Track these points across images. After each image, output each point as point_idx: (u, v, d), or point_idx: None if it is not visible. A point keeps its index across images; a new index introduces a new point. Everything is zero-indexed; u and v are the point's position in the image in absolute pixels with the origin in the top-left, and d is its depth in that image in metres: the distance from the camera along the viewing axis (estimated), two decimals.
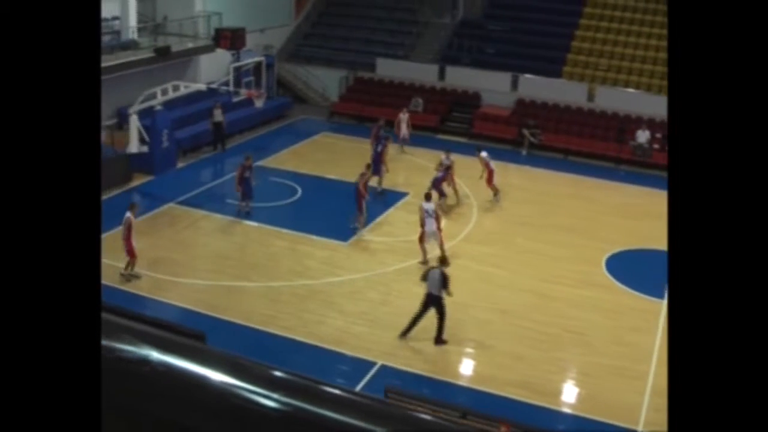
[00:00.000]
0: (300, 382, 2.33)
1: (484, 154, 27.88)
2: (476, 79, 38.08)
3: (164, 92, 28.53)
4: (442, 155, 28.06)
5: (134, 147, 28.23)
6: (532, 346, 18.40)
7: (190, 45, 33.69)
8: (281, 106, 38.62)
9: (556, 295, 20.87)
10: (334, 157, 31.89)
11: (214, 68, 35.05)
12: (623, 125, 34.71)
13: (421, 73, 39.37)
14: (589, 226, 26.03)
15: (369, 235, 24.26)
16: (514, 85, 37.64)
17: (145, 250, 22.60)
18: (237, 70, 31.31)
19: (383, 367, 17.16)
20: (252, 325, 18.70)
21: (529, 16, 40.02)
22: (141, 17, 33.38)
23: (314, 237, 23.82)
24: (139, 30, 32.53)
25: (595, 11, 39.73)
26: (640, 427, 15.47)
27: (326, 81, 41.01)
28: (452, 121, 37.54)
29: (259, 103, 29.91)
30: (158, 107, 28.60)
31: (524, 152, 34.36)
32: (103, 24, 31.42)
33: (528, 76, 37.39)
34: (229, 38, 33.17)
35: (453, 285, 20.76)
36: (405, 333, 18.21)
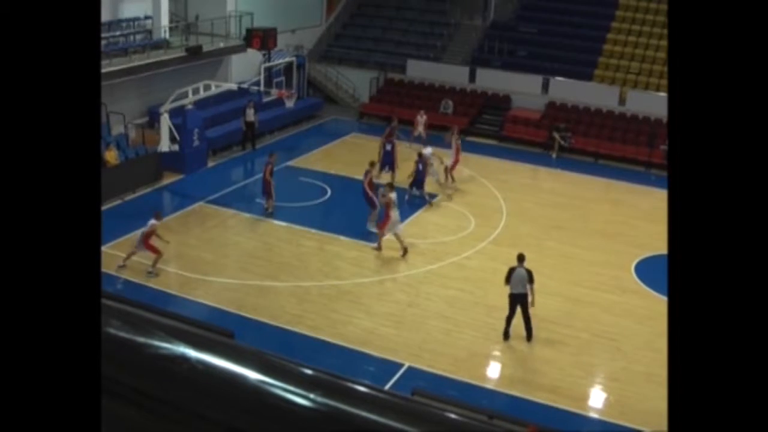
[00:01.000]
0: (336, 382, 2.31)
1: (427, 150, 27.82)
2: (507, 81, 38.00)
3: (195, 91, 28.67)
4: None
5: (165, 146, 28.40)
6: (561, 350, 18.30)
7: (222, 45, 33.85)
8: (312, 107, 38.74)
9: (587, 300, 20.75)
10: (364, 158, 31.77)
11: (245, 68, 35.21)
12: (654, 129, 34.46)
13: (452, 74, 39.33)
14: (620, 230, 25.88)
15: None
16: (545, 87, 37.51)
17: (174, 248, 22.73)
18: (268, 70, 31.44)
19: (410, 369, 17.13)
20: (280, 324, 18.74)
21: (560, 19, 39.87)
22: (173, 17, 33.61)
23: (343, 238, 23.85)
24: (171, 29, 32.73)
25: (627, 14, 39.52)
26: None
27: (356, 82, 41.06)
28: (482, 124, 37.47)
29: (289, 103, 29.99)
30: (189, 106, 28.74)
31: (554, 155, 34.23)
32: (136, 23, 31.71)
33: (559, 78, 37.24)
34: (261, 38, 33.34)
35: (483, 288, 20.81)
36: (504, 335, 18.59)
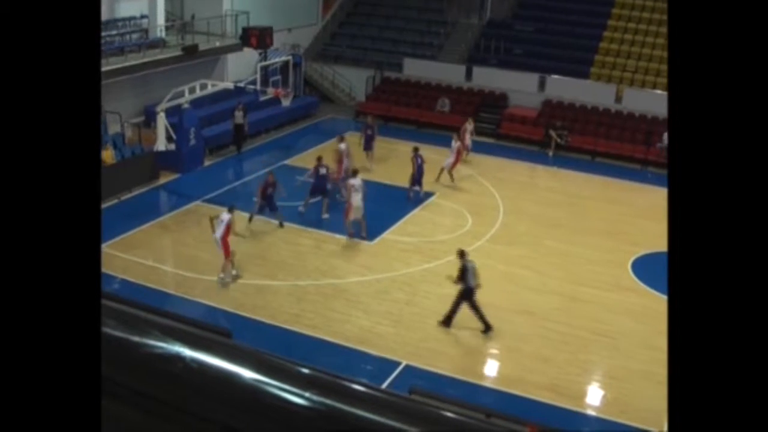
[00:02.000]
0: (332, 381, 2.30)
1: (342, 146, 27.80)
2: (503, 79, 38.02)
3: (191, 91, 28.65)
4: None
5: (161, 145, 28.37)
6: (559, 348, 18.31)
7: (218, 44, 33.83)
8: (308, 106, 38.72)
9: (584, 298, 20.77)
10: (361, 157, 31.90)
11: (241, 67, 35.22)
12: (651, 127, 34.49)
13: (449, 73, 39.34)
14: (617, 228, 25.90)
15: (395, 235, 24.22)
16: (542, 86, 37.54)
17: (171, 247, 22.73)
18: (264, 69, 31.40)
19: (408, 367, 17.13)
20: (277, 323, 18.73)
21: (557, 17, 39.92)
22: (169, 16, 33.59)
23: (340, 236, 23.83)
24: (167, 28, 32.72)
25: (623, 12, 39.57)
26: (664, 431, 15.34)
27: (353, 80, 41.07)
28: (479, 122, 37.35)
29: (286, 102, 29.95)
30: (185, 105, 28.72)
31: (550, 153, 34.23)
32: (132, 22, 31.68)
33: (555, 77, 37.26)
34: (257, 37, 33.30)
35: (480, 286, 20.80)
36: (486, 329, 18.71)
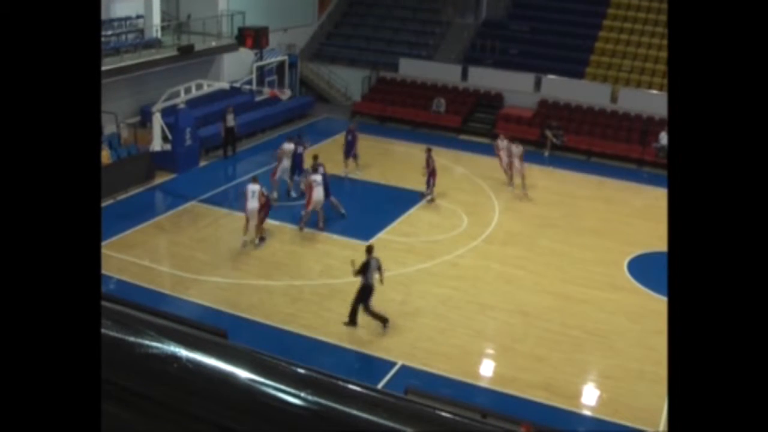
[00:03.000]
0: (327, 381, 2.31)
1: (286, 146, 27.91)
2: (499, 79, 38.03)
3: (187, 91, 28.64)
4: None
5: (157, 145, 28.36)
6: (554, 348, 18.33)
7: (214, 44, 33.83)
8: (304, 105, 38.72)
9: (579, 298, 20.78)
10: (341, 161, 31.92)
11: (237, 67, 35.19)
12: (646, 127, 34.53)
13: (444, 73, 39.34)
14: (612, 228, 25.93)
15: (390, 235, 24.23)
16: (537, 85, 37.56)
17: (166, 247, 22.72)
18: (260, 69, 31.39)
19: (403, 367, 17.14)
20: (273, 323, 18.73)
21: (552, 17, 39.93)
22: (165, 16, 33.58)
23: (336, 236, 23.84)
24: (163, 28, 32.72)
25: (618, 12, 39.60)
26: (660, 430, 15.37)
27: (349, 81, 41.08)
28: (475, 122, 37.50)
29: (284, 96, 29.81)
30: (181, 105, 28.71)
31: (546, 153, 34.25)
32: (127, 22, 31.68)
33: (551, 76, 37.29)
34: (253, 37, 33.26)
35: (476, 287, 20.83)
36: (376, 318, 18.59)
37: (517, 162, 28.43)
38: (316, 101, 40.00)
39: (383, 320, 18.53)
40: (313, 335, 18.21)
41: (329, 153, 32.60)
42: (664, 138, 33.08)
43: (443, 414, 2.28)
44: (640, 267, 22.89)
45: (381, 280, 18.43)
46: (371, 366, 17.25)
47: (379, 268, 18.38)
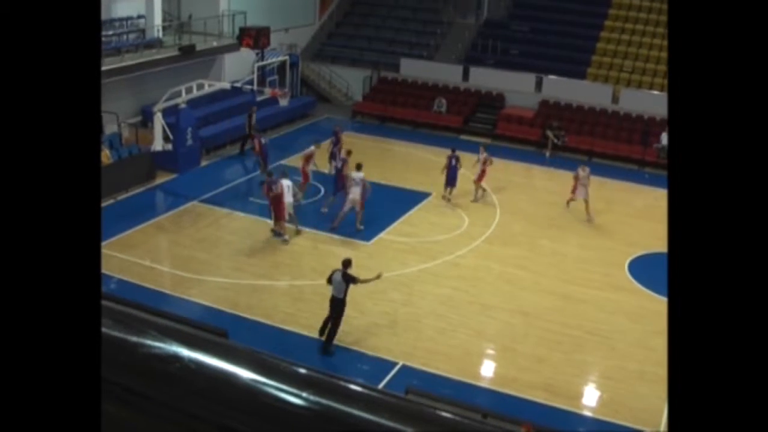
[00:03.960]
0: (329, 381, 2.31)
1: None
2: (500, 79, 38.04)
3: (188, 91, 28.63)
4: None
5: (158, 145, 28.36)
6: (555, 348, 18.33)
7: (215, 44, 33.84)
8: (305, 105, 38.73)
9: (580, 298, 20.78)
10: (357, 157, 31.86)
11: (238, 67, 35.19)
12: (648, 128, 34.53)
13: (445, 73, 39.35)
14: (613, 228, 25.93)
15: (391, 235, 24.22)
16: (539, 86, 37.56)
17: (167, 247, 22.72)
18: (261, 69, 31.40)
19: (404, 367, 17.14)
20: (274, 323, 18.74)
21: (553, 17, 39.94)
22: (166, 16, 33.57)
23: (336, 236, 23.83)
24: (164, 28, 32.71)
25: (620, 13, 39.60)
26: (661, 431, 15.37)
27: (350, 80, 41.09)
28: (476, 122, 37.50)
29: (283, 102, 29.92)
30: (182, 105, 28.70)
31: (547, 154, 34.26)
32: (129, 22, 31.67)
33: (552, 77, 37.29)
34: (254, 37, 33.29)
35: (477, 287, 20.78)
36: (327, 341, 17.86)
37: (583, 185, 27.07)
38: (317, 101, 40.00)
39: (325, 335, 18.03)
40: (313, 335, 18.20)
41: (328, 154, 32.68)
42: (665, 138, 33.07)
43: (443, 414, 2.29)
44: (641, 267, 22.88)
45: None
46: (372, 366, 17.23)
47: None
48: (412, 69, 40.00)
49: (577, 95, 36.73)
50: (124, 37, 31.08)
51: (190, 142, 29.41)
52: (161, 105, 28.11)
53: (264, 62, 32.59)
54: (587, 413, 16.35)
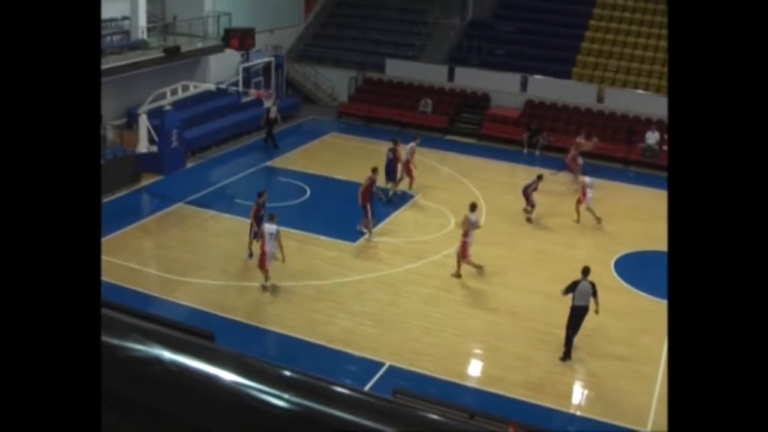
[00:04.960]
0: (310, 382, 2.31)
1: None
2: (485, 80, 38.06)
3: (173, 92, 28.54)
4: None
5: (143, 147, 28.25)
6: (541, 347, 18.36)
7: (200, 45, 33.75)
8: (290, 107, 38.63)
9: (567, 297, 20.76)
10: (343, 158, 31.91)
11: (223, 68, 35.11)
12: (632, 126, 34.63)
13: (431, 73, 39.35)
14: (598, 227, 25.96)
15: (377, 236, 24.19)
16: (524, 86, 37.60)
17: (153, 249, 22.64)
18: (246, 70, 31.33)
19: (391, 368, 17.13)
20: (260, 324, 18.71)
21: (538, 17, 39.99)
22: (150, 17, 33.44)
23: (322, 237, 23.81)
24: (149, 30, 32.60)
25: (604, 12, 39.69)
26: (648, 429, 15.42)
27: (335, 81, 41.03)
28: (461, 122, 37.51)
29: (268, 103, 29.88)
30: (167, 107, 28.63)
31: (525, 151, 34.39)
32: (113, 24, 31.53)
33: (537, 77, 37.34)
34: (239, 38, 33.19)
35: (463, 287, 20.78)
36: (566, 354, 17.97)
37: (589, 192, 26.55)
38: (302, 102, 39.94)
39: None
40: (300, 336, 18.18)
41: (317, 155, 32.67)
42: (650, 137, 33.21)
43: (425, 414, 2.29)
44: (626, 266, 22.94)
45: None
46: (359, 367, 17.22)
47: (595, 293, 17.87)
48: (398, 69, 39.98)
49: (563, 95, 36.80)
50: (109, 38, 30.95)
51: (175, 143, 29.33)
52: (146, 107, 28.02)
53: (249, 63, 32.51)
54: (573, 411, 16.38)
